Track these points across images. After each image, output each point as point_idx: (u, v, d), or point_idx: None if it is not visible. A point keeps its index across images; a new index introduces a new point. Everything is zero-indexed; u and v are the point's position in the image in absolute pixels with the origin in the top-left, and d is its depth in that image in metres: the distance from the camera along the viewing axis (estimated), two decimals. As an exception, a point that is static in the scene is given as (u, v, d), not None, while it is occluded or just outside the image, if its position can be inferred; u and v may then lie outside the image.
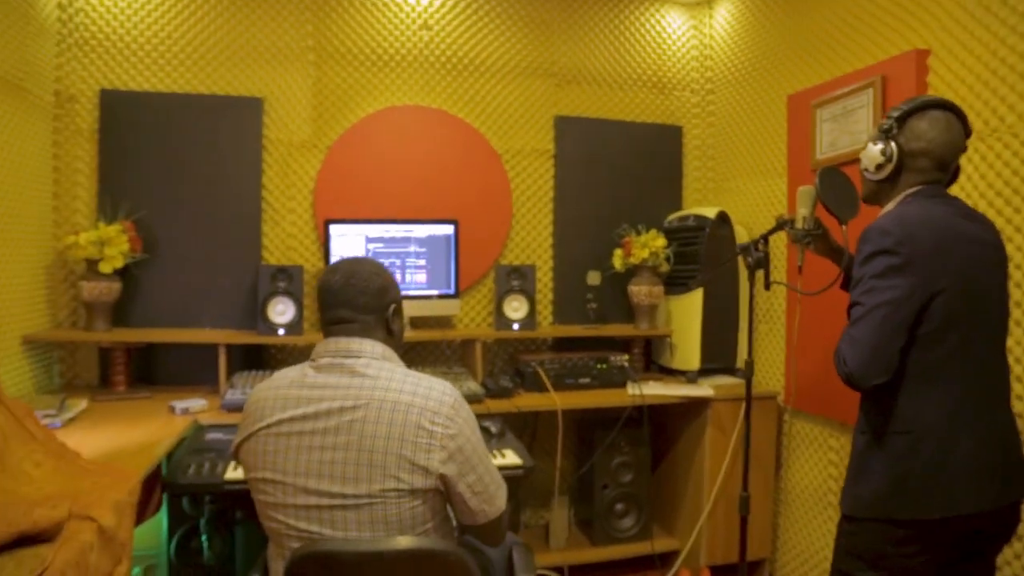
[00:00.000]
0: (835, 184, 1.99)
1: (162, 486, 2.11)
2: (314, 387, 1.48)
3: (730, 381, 3.23)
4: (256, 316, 2.93)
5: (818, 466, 2.91)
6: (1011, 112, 2.12)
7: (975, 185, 2.22)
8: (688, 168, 3.74)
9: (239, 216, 3.15)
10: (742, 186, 3.47)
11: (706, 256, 3.24)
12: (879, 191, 1.76)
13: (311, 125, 3.26)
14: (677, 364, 3.39)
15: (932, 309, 1.56)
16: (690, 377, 3.26)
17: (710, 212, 3.27)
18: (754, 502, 3.05)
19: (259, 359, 3.14)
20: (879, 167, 1.69)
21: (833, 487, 2.82)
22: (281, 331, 2.90)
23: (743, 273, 3.32)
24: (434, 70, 3.37)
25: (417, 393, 1.47)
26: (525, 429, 3.38)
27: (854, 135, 2.62)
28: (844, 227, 1.96)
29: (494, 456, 2.40)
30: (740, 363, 3.33)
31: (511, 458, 2.38)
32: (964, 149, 1.72)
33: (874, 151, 1.69)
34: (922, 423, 1.59)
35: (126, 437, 2.17)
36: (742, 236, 3.32)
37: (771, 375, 3.23)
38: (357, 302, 1.57)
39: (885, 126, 1.68)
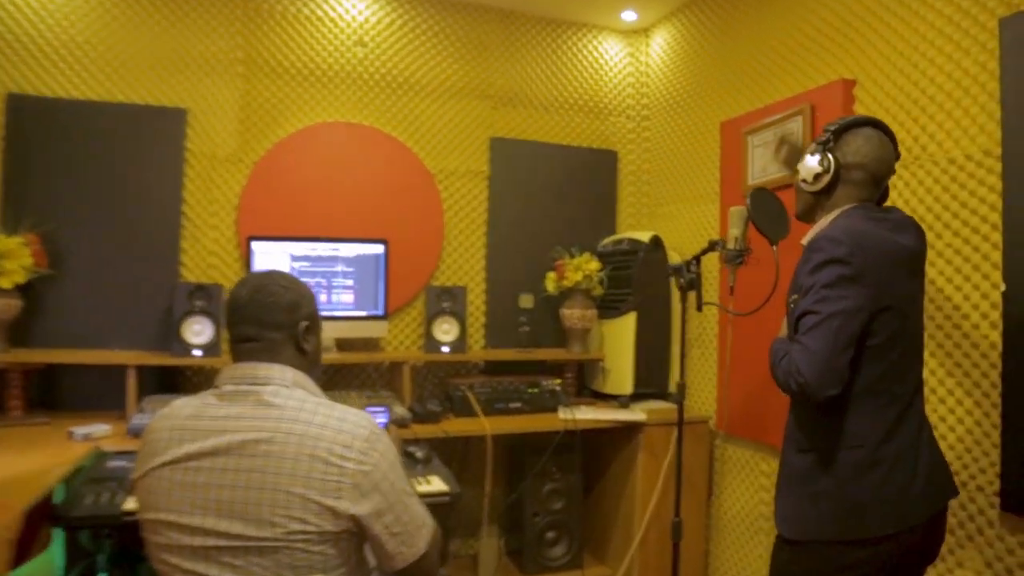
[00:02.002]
0: (766, 204, 1.99)
1: (53, 519, 1.93)
2: (215, 418, 1.34)
3: (662, 406, 3.20)
4: (171, 337, 2.77)
5: (750, 491, 2.90)
6: (931, 141, 2.17)
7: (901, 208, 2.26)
8: (623, 193, 3.75)
9: (156, 231, 2.99)
10: (675, 211, 3.49)
11: (639, 279, 3.23)
12: (815, 204, 1.75)
13: (237, 138, 3.14)
14: (610, 389, 3.35)
15: (878, 324, 1.56)
16: (623, 402, 3.22)
17: (644, 236, 3.27)
18: (686, 528, 3.01)
19: (173, 382, 2.97)
20: (817, 177, 1.69)
21: (765, 512, 2.81)
22: (197, 352, 2.74)
23: (676, 296, 3.33)
24: (367, 87, 3.30)
25: (328, 425, 1.33)
26: (454, 455, 3.28)
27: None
28: (775, 247, 1.97)
29: (419, 483, 2.29)
30: (673, 387, 3.31)
31: (437, 485, 2.28)
32: (894, 169, 1.74)
33: (812, 162, 1.69)
34: (871, 438, 1.58)
35: (15, 466, 1.98)
36: (675, 260, 3.32)
37: (703, 399, 3.23)
38: (264, 318, 1.43)
39: (823, 139, 1.69)
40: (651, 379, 3.28)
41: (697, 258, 2.23)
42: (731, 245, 2.08)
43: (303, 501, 1.27)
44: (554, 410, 3.08)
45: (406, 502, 1.40)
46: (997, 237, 1.99)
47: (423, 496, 2.20)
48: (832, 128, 1.69)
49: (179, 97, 3.06)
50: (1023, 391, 1.88)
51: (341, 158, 3.24)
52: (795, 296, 1.67)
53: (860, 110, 2.43)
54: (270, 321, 1.43)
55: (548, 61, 3.62)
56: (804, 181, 1.71)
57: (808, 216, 1.79)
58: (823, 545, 1.59)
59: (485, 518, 3.12)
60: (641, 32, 3.75)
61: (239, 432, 1.31)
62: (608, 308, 3.38)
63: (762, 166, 2.78)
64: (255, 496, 1.27)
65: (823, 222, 1.71)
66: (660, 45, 3.63)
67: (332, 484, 1.29)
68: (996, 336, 1.97)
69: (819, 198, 1.73)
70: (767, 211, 1.98)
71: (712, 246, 2.14)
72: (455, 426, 2.79)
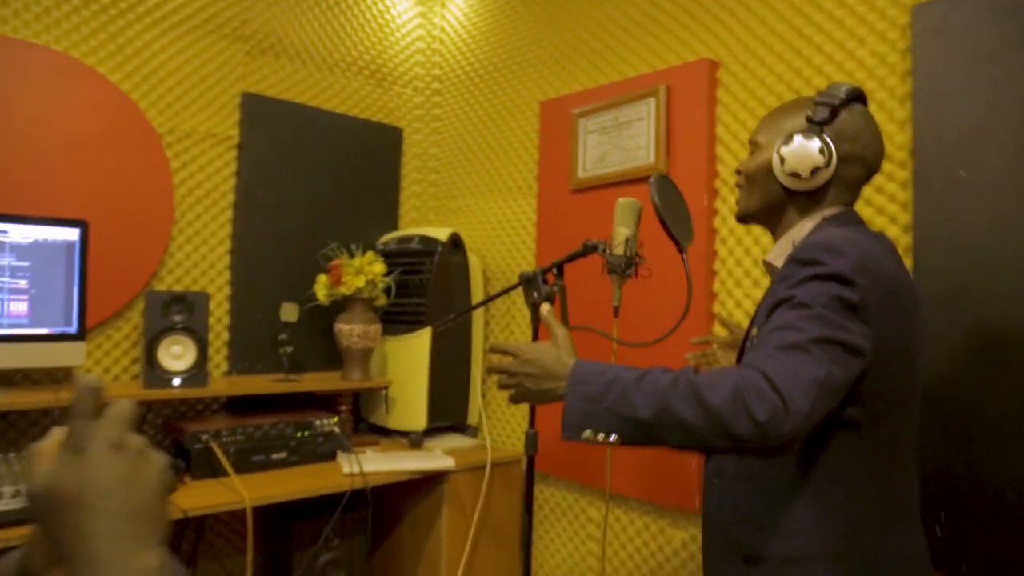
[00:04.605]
0: (672, 196, 1.51)
1: None
2: None
3: (464, 443, 2.62)
4: None
5: (574, 540, 2.43)
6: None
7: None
8: (407, 180, 3.10)
9: None
10: (473, 205, 2.93)
11: (435, 288, 2.61)
12: (785, 204, 1.26)
13: None
14: (396, 423, 2.68)
15: (866, 384, 1.08)
16: (414, 439, 2.58)
17: (440, 234, 2.66)
18: (494, 593, 2.48)
19: None
20: (815, 172, 1.19)
21: (593, 564, 2.36)
22: None
23: (479, 309, 2.77)
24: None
25: None
26: (186, 530, 2.37)
27: (630, 151, 2.23)
28: (685, 255, 1.49)
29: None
30: (473, 419, 2.75)
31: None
32: None
33: (810, 149, 1.18)
34: (850, 543, 1.11)
35: None
36: (475, 266, 2.76)
37: (512, 433, 2.70)
38: None
39: (820, 116, 1.19)
40: (447, 410, 2.68)
41: (560, 265, 1.67)
42: (619, 250, 1.56)
43: None
44: (331, 458, 2.34)
45: None
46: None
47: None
48: (830, 100, 1.20)
49: None
50: (933, 434, 1.60)
51: (16, 96, 2.16)
52: (756, 330, 1.19)
53: (725, 98, 2.08)
54: None
55: (323, 4, 2.84)
56: (795, 174, 1.21)
57: (764, 217, 1.31)
58: None
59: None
60: (435, -11, 3.14)
61: None
62: (394, 322, 2.71)
63: (598, 156, 2.33)
64: None
65: (797, 231, 1.23)
66: (460, 6, 3.04)
67: None
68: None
69: (796, 197, 1.24)
70: (674, 206, 1.50)
71: (589, 249, 1.60)
72: (196, 497, 1.92)
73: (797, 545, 1.12)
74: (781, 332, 1.04)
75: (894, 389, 1.12)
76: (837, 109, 1.19)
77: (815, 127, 1.19)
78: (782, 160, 1.20)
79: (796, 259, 1.12)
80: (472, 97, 2.95)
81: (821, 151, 1.17)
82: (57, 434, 0.58)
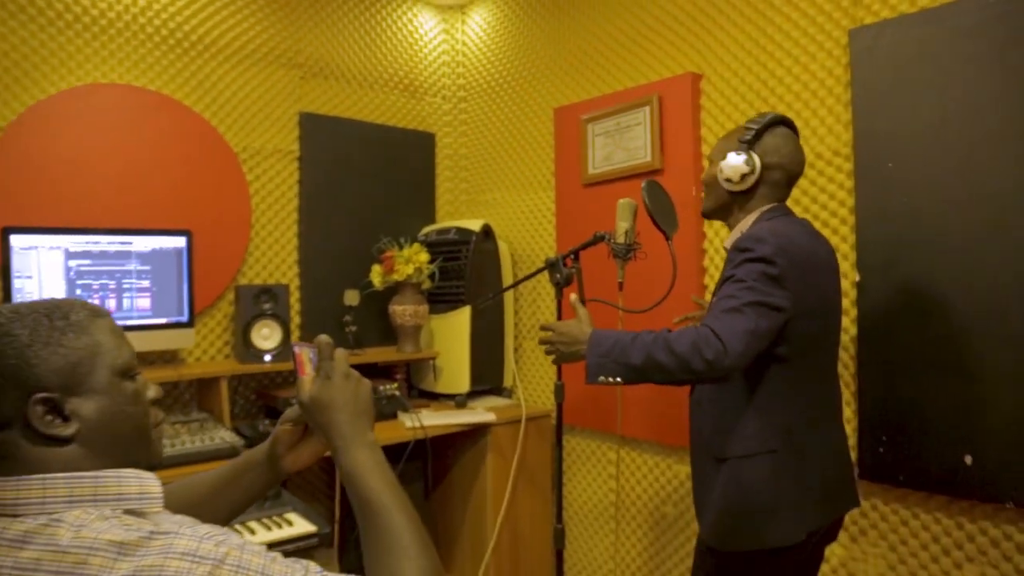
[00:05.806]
0: (660, 197, 1.94)
1: None
2: None
3: (502, 402, 3.09)
4: None
5: (597, 481, 2.90)
6: (785, 136, 2.28)
7: (751, 203, 2.35)
8: (441, 178, 3.55)
9: None
10: (500, 199, 3.37)
11: (472, 272, 3.07)
12: (730, 203, 1.72)
13: (-30, 98, 2.41)
14: (443, 388, 3.16)
15: (790, 330, 1.54)
16: (459, 401, 3.05)
17: (473, 225, 3.11)
18: (534, 524, 2.96)
19: None
20: (743, 177, 1.65)
21: (614, 499, 2.82)
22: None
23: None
24: (153, 44, 2.71)
25: None
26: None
27: (631, 151, 2.65)
28: (670, 242, 1.92)
29: (273, 526, 1.93)
30: (508, 382, 3.22)
31: (301, 526, 1.94)
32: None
33: (737, 161, 1.65)
34: (785, 442, 1.58)
35: None
36: (504, 252, 3.21)
37: (541, 392, 3.17)
38: None
39: (746, 138, 1.65)
40: (486, 375, 3.15)
41: (576, 252, 2.12)
42: (620, 239, 2.00)
43: None
44: (394, 417, 2.82)
45: None
46: (846, 231, 2.14)
47: (285, 543, 1.86)
48: (755, 126, 1.66)
49: None
50: (876, 373, 2.04)
51: (124, 129, 2.63)
52: (715, 299, 1.64)
53: (707, 105, 2.49)
54: None
55: (360, 31, 3.28)
56: (728, 180, 1.67)
57: (719, 214, 1.77)
58: (747, 553, 1.59)
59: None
60: (457, 8, 3.55)
61: None
62: (438, 302, 3.17)
63: (605, 155, 2.76)
64: None
65: (743, 223, 1.69)
66: (478, 23, 3.46)
67: None
68: (854, 329, 2.11)
69: (736, 197, 1.71)
70: (661, 204, 1.93)
71: (598, 239, 2.04)
72: (292, 447, 2.42)
73: (747, 446, 1.58)
74: (724, 299, 1.51)
75: (812, 333, 1.59)
76: (761, 132, 1.64)
77: (742, 145, 1.64)
78: (721, 171, 1.66)
79: (736, 248, 1.58)
80: (495, 104, 3.39)
81: (746, 162, 1.62)
82: (311, 373, 1.01)
